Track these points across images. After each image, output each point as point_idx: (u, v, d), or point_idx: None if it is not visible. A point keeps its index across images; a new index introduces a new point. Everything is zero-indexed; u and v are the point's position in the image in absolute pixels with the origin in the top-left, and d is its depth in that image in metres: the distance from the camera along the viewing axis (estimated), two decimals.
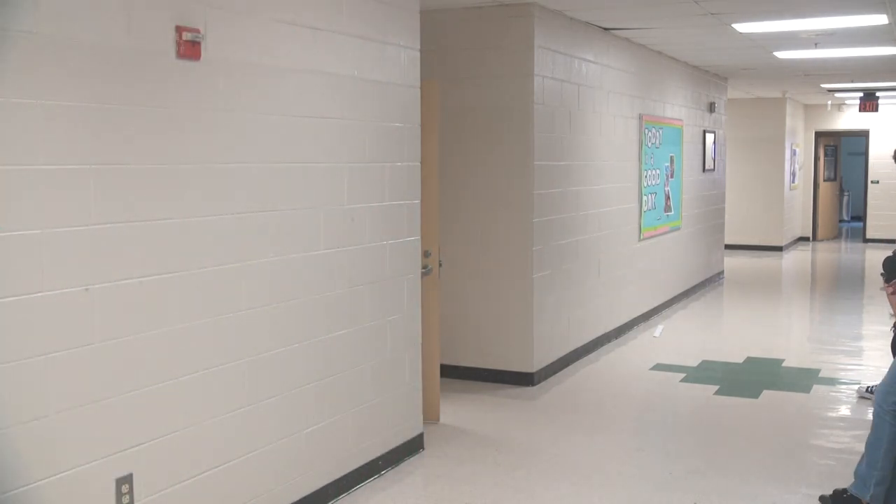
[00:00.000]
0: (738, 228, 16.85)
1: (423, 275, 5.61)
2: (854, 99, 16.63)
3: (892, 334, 6.88)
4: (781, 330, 9.87)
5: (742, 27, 8.07)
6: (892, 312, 6.05)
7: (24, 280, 2.98)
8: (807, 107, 19.08)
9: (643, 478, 4.98)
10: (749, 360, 7.93)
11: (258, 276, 4.01)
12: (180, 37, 3.51)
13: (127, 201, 3.33)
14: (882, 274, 5.72)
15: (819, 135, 19.26)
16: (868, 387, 6.68)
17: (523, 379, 6.93)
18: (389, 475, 4.99)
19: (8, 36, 2.89)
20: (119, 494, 3.35)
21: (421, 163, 5.34)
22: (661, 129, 9.92)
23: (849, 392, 6.82)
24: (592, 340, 8.10)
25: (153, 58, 3.42)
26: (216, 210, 3.76)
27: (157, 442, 3.51)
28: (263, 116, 4.01)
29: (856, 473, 4.37)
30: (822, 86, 14.22)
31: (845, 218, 22.56)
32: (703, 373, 7.43)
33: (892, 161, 6.25)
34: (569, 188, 7.48)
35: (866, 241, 18.24)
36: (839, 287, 12.41)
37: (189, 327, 3.64)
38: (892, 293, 5.19)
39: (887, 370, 4.56)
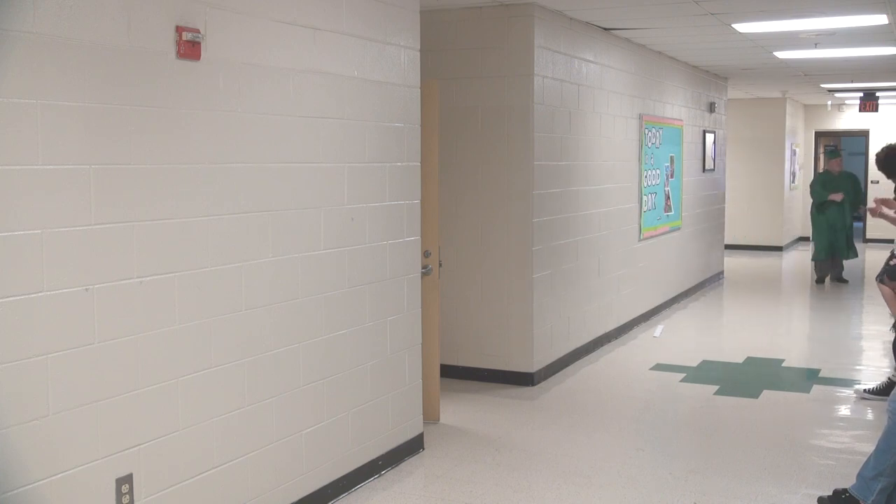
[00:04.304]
0: (738, 228, 16.85)
1: (423, 275, 5.61)
2: (854, 99, 16.63)
3: (892, 334, 6.88)
4: (781, 330, 9.87)
5: (742, 27, 8.08)
6: (892, 313, 6.06)
7: (24, 280, 2.98)
8: (807, 107, 19.08)
9: (643, 478, 4.98)
10: (749, 360, 7.93)
11: (258, 276, 4.01)
12: (180, 37, 3.51)
13: (127, 201, 3.33)
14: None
15: (819, 135, 19.25)
16: (866, 388, 6.67)
17: (523, 379, 6.93)
18: (389, 475, 4.99)
19: (8, 36, 2.89)
20: (119, 494, 3.35)
21: (421, 163, 5.34)
22: (661, 129, 9.92)
23: (849, 392, 6.82)
24: (592, 340, 8.10)
25: (153, 58, 3.42)
26: (216, 210, 3.76)
27: (157, 442, 3.52)
28: (263, 116, 4.01)
29: (859, 475, 4.34)
30: (822, 86, 14.22)
31: None
32: (703, 373, 7.43)
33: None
34: (569, 188, 7.48)
35: (866, 241, 18.24)
36: (839, 287, 12.40)
37: (189, 327, 3.64)
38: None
39: None
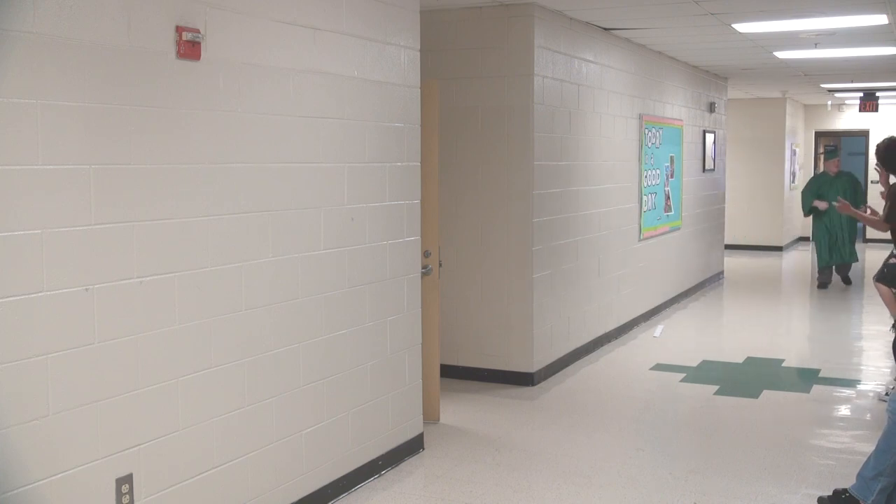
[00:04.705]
0: (738, 228, 16.85)
1: (423, 275, 5.61)
2: (854, 99, 16.63)
3: (892, 334, 6.88)
4: (781, 330, 9.87)
5: (742, 27, 8.08)
6: (891, 314, 6.04)
7: (24, 280, 2.98)
8: (807, 107, 19.08)
9: (643, 478, 4.98)
10: (749, 360, 7.93)
11: (258, 276, 4.01)
12: (180, 37, 3.51)
13: (127, 201, 3.33)
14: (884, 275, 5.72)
15: (819, 135, 19.25)
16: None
17: (523, 379, 6.92)
18: (389, 475, 4.99)
19: (8, 36, 2.89)
20: (119, 494, 3.35)
21: (421, 163, 5.34)
22: (661, 129, 9.92)
23: (849, 392, 6.82)
24: (592, 340, 8.10)
25: (153, 58, 3.42)
26: (216, 210, 3.76)
27: (157, 442, 3.52)
28: (263, 116, 4.01)
29: (859, 475, 4.34)
30: (822, 86, 14.22)
31: None
32: (703, 373, 7.43)
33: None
34: (569, 188, 7.48)
35: (866, 241, 18.24)
36: (839, 287, 12.40)
37: (189, 327, 3.64)
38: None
39: None
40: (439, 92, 6.11)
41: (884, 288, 5.65)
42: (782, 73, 12.22)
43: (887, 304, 5.75)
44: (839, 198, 6.21)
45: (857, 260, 12.36)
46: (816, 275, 12.51)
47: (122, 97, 3.29)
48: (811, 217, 12.40)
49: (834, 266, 12.26)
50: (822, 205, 11.91)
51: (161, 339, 3.51)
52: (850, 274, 12.79)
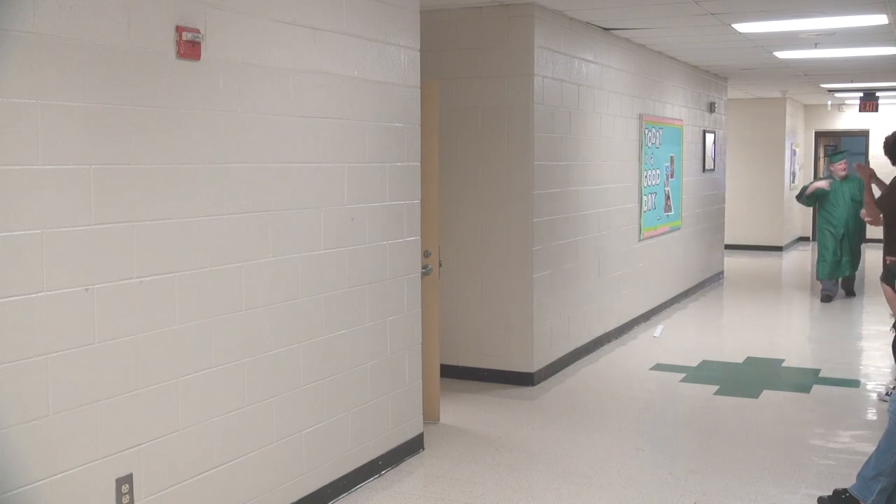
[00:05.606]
0: (738, 228, 16.85)
1: (423, 275, 5.61)
2: (854, 99, 16.63)
3: (892, 334, 6.88)
4: (781, 330, 9.87)
5: (742, 27, 8.08)
6: (892, 313, 6.04)
7: (24, 280, 2.98)
8: (807, 107, 19.08)
9: (643, 478, 4.98)
10: (749, 360, 7.93)
11: (258, 276, 4.01)
12: (180, 37, 3.51)
13: (127, 201, 3.33)
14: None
15: (819, 135, 19.25)
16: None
17: (523, 379, 6.92)
18: (389, 475, 4.99)
19: (8, 36, 2.89)
20: (119, 494, 3.35)
21: (421, 163, 5.34)
22: (661, 129, 9.92)
23: (849, 392, 6.82)
24: (592, 340, 8.10)
25: (153, 58, 3.42)
26: (216, 210, 3.76)
27: (157, 442, 3.52)
28: (263, 116, 4.01)
29: (859, 475, 4.34)
30: (822, 86, 14.22)
31: None
32: (703, 373, 7.43)
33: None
34: (569, 188, 7.48)
35: (866, 241, 18.22)
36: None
37: (189, 327, 3.64)
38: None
39: None
40: (439, 92, 6.11)
41: (888, 288, 5.65)
42: (782, 73, 12.23)
43: (891, 304, 5.75)
44: (862, 163, 6.13)
45: (856, 269, 11.44)
46: (819, 282, 11.43)
47: (122, 97, 3.29)
48: (812, 216, 12.02)
49: (839, 280, 11.34)
50: (822, 183, 10.92)
51: (161, 339, 3.51)
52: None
